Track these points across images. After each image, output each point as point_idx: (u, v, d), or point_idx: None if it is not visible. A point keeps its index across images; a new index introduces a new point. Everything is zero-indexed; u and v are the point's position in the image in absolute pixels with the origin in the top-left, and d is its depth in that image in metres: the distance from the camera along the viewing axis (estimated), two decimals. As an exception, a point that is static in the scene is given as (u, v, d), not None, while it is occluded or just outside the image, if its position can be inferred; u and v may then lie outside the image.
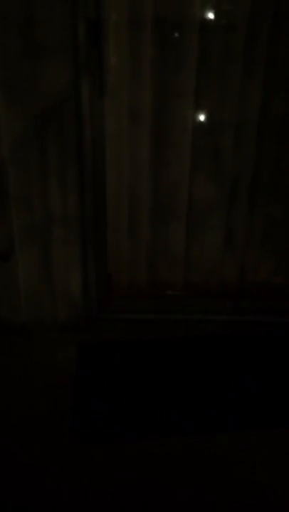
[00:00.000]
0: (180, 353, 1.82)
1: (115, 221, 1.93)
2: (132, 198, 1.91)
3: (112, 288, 1.99)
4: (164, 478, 1.35)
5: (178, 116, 1.79)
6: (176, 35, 1.68)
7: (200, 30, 1.66)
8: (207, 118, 1.83)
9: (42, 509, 1.27)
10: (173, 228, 1.98)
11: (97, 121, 1.67)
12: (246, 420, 1.54)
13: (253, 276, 2.07)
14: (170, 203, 1.94)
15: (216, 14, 1.66)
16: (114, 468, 1.37)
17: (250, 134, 1.81)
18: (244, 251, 2.02)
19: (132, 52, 1.67)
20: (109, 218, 1.92)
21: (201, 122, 1.82)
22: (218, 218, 1.97)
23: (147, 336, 1.87)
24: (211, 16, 1.66)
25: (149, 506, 1.28)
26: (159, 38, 1.67)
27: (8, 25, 1.42)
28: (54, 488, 1.32)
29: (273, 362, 1.80)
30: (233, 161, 1.86)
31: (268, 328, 1.96)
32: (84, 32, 1.47)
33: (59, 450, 1.40)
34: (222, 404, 1.59)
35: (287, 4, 1.63)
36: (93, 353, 1.79)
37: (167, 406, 1.58)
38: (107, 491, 1.31)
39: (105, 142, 1.79)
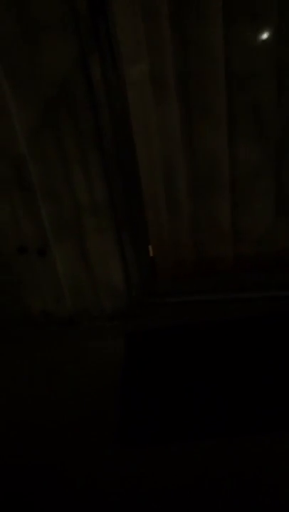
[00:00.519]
0: (236, 337, 1.69)
1: (152, 200, 1.80)
2: (168, 173, 1.76)
3: (157, 271, 1.89)
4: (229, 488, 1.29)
5: (208, 74, 1.59)
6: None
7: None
8: (243, 70, 1.59)
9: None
10: (216, 199, 1.81)
11: (115, 97, 1.52)
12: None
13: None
14: (210, 172, 1.76)
15: None
16: (166, 470, 1.33)
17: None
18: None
19: (146, 11, 1.48)
20: (146, 198, 1.80)
21: (235, 75, 1.60)
22: (266, 183, 1.77)
23: (197, 319, 1.77)
24: None
25: None
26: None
27: (1, 8, 1.30)
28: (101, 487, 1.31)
29: None
30: (276, 118, 1.63)
31: None
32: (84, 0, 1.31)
33: (105, 449, 1.38)
34: None
35: None
36: (141, 341, 1.73)
37: (225, 399, 1.47)
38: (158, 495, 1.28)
39: (130, 117, 1.64)
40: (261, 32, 1.54)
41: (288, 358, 1.57)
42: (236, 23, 1.51)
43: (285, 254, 1.88)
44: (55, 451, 1.42)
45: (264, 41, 1.55)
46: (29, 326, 1.85)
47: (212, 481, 1.27)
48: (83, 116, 1.44)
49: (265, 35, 1.55)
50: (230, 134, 1.68)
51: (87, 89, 1.40)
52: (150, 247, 1.89)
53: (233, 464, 1.30)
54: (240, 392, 1.48)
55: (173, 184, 1.78)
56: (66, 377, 1.66)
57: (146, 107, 1.65)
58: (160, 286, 1.86)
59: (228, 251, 1.89)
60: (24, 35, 1.32)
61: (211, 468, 1.30)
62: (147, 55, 1.55)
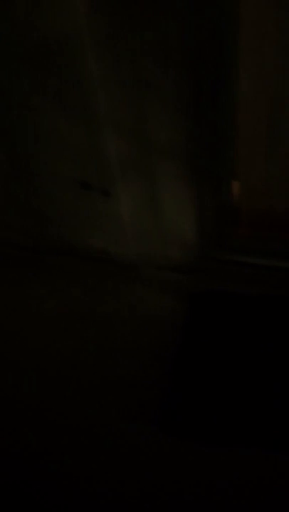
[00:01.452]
0: None
1: (249, 137, 1.42)
2: (274, 109, 1.34)
3: (239, 225, 1.58)
4: None
5: None
6: None
7: None
8: None
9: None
10: None
11: None
12: None
13: None
14: None
15: None
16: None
17: None
18: None
19: None
20: (241, 135, 1.41)
21: None
22: None
23: (281, 288, 1.50)
24: None
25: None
26: None
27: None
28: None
29: None
30: None
31: None
32: None
33: (149, 431, 1.28)
34: None
35: None
36: (208, 306, 1.51)
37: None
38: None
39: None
40: None
41: None
42: None
43: None
44: (88, 410, 1.34)
45: None
46: (87, 262, 1.68)
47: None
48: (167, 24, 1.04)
49: None
50: None
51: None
52: (234, 195, 1.55)
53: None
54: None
55: (280, 115, 1.37)
56: (113, 327, 1.52)
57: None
58: (240, 242, 1.57)
59: None
60: None
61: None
62: None
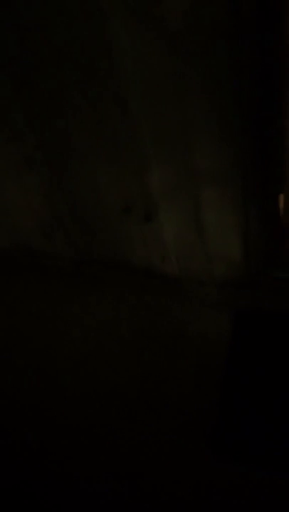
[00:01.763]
0: None
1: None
2: None
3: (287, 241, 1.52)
4: None
5: None
6: None
7: None
8: None
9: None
10: None
11: None
12: None
13: None
14: None
15: None
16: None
17: None
18: None
19: None
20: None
21: None
22: None
23: None
24: None
25: None
26: None
27: None
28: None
29: None
30: None
31: None
32: None
33: (197, 458, 1.31)
34: None
35: None
36: (254, 325, 1.49)
37: None
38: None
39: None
40: None
41: None
42: None
43: None
44: (138, 428, 1.38)
45: None
46: (130, 279, 1.68)
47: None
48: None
49: None
50: None
51: None
52: (280, 210, 1.49)
53: None
54: None
55: None
56: (159, 343, 1.53)
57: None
58: (287, 260, 1.52)
59: None
60: None
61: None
62: None
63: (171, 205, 1.35)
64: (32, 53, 1.13)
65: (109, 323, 1.63)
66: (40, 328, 1.65)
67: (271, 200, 1.41)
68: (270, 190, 1.38)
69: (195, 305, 1.59)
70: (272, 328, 1.48)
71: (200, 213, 1.36)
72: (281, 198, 1.49)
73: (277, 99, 1.13)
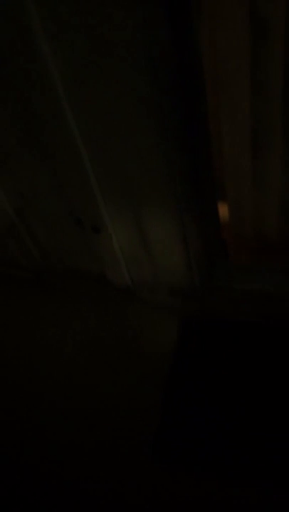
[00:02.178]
0: None
1: (234, 172, 1.44)
2: (258, 138, 1.35)
3: (229, 252, 1.61)
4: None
5: None
6: None
7: None
8: None
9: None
10: None
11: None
12: None
13: None
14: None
15: None
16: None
17: None
18: None
19: None
20: (225, 164, 1.43)
21: None
22: None
23: (273, 316, 1.54)
24: None
25: None
26: None
27: None
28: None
29: None
30: None
31: None
32: None
33: (139, 461, 1.34)
34: None
35: None
36: (198, 333, 1.57)
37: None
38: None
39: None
40: None
41: None
42: None
43: None
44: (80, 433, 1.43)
45: None
46: (88, 283, 1.76)
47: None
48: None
49: None
50: None
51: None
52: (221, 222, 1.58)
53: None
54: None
55: (262, 152, 1.38)
56: (107, 348, 1.61)
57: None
58: (230, 269, 1.60)
59: None
60: None
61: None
62: None
63: (116, 218, 1.44)
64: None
65: (66, 330, 1.70)
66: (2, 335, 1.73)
67: (208, 209, 1.49)
68: (205, 201, 1.46)
69: (146, 312, 1.67)
70: (217, 336, 1.56)
71: (142, 226, 1.44)
72: (222, 206, 1.57)
73: (198, 103, 1.19)
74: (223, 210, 1.61)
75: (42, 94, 1.15)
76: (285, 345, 1.46)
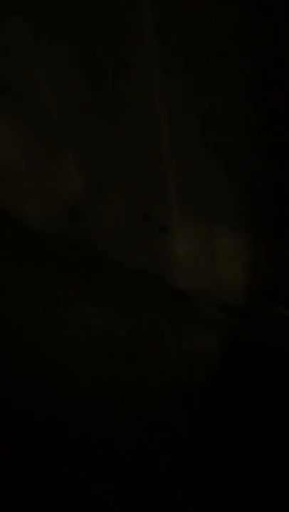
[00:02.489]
0: None
1: None
2: None
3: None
4: None
5: None
6: None
7: None
8: None
9: None
10: None
11: None
12: None
13: None
14: None
15: None
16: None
17: None
18: None
19: None
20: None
21: None
22: None
23: None
24: None
25: None
26: None
27: None
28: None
29: None
30: None
31: None
32: None
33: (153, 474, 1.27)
34: None
35: None
36: (247, 354, 1.50)
37: None
38: None
39: None
40: None
41: None
42: None
43: None
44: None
45: None
46: (137, 285, 1.72)
47: None
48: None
49: None
50: None
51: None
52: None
53: None
54: None
55: None
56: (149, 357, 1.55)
57: None
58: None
59: None
60: None
61: None
62: None
63: (187, 224, 1.39)
64: None
65: (106, 326, 1.65)
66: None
67: (284, 240, 1.42)
68: (283, 231, 1.39)
69: (197, 324, 1.62)
70: (264, 361, 1.48)
71: (212, 238, 1.38)
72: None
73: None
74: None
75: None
76: None
